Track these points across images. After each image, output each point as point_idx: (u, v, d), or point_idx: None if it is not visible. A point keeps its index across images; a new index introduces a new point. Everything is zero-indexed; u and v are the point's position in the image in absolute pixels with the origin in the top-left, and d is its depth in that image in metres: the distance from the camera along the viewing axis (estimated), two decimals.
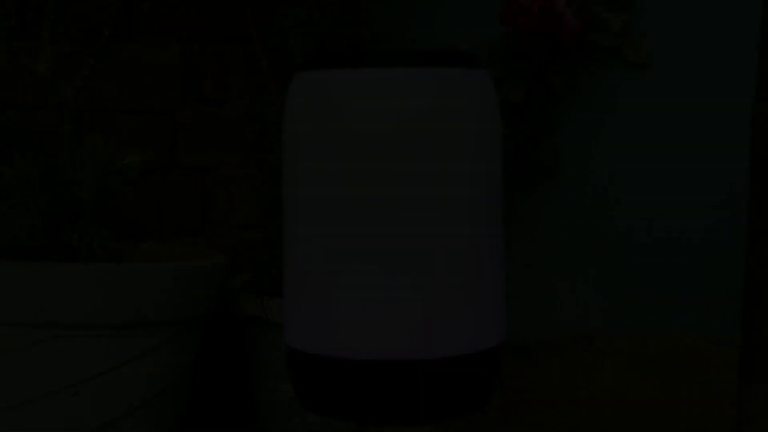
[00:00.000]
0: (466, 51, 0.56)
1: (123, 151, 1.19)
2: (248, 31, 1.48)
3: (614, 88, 1.23)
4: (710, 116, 1.14)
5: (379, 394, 0.56)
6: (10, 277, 1.11)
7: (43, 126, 1.45)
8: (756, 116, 0.61)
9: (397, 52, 0.53)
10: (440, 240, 0.55)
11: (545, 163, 1.27)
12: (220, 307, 1.40)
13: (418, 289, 0.55)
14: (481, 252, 0.56)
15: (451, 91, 0.54)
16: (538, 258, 1.35)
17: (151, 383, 1.21)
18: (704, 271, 1.15)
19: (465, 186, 0.55)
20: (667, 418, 0.79)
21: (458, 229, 0.55)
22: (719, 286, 1.13)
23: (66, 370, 1.13)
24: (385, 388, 0.56)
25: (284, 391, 1.29)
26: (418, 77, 0.53)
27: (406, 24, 1.54)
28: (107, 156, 1.17)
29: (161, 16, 1.48)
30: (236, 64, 1.54)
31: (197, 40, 1.51)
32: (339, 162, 0.54)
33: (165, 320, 1.20)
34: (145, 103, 1.48)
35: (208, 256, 1.30)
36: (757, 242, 0.61)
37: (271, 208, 1.32)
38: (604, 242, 1.26)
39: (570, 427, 0.79)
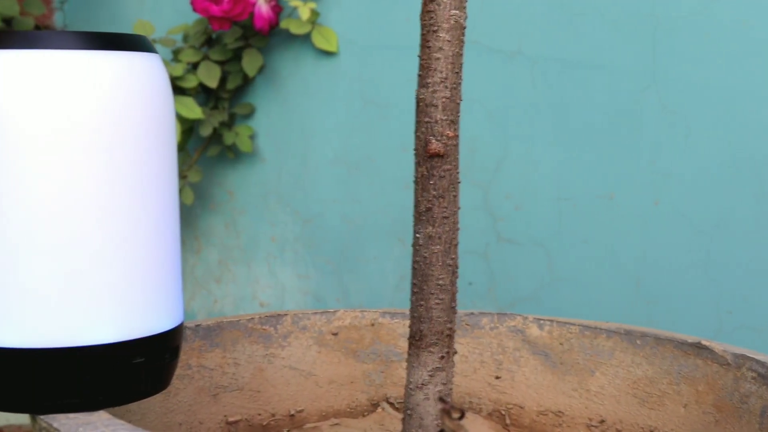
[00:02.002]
0: (133, 35, 0.56)
1: None
2: None
3: (306, 75, 1.26)
4: (390, 106, 1.20)
5: (51, 383, 0.55)
6: None
7: None
8: (418, 100, 0.65)
9: (51, 34, 0.52)
10: (108, 223, 0.55)
11: (242, 147, 1.29)
12: None
13: (86, 274, 0.54)
14: (152, 235, 0.57)
15: (116, 75, 0.54)
16: (235, 240, 1.36)
17: None
18: (385, 251, 1.21)
19: (133, 169, 0.55)
20: (351, 389, 0.83)
21: (128, 213, 0.55)
22: (395, 265, 1.19)
23: None
24: (58, 376, 0.55)
25: None
26: (76, 60, 0.53)
27: (99, 9, 1.50)
28: None
29: None
30: None
31: None
32: None
33: None
34: None
35: None
36: (418, 221, 0.66)
37: None
38: (299, 225, 1.29)
39: (259, 406, 0.81)
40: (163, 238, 0.57)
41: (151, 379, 0.58)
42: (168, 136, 0.58)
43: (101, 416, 0.56)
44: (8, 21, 1.32)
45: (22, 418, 1.22)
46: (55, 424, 0.55)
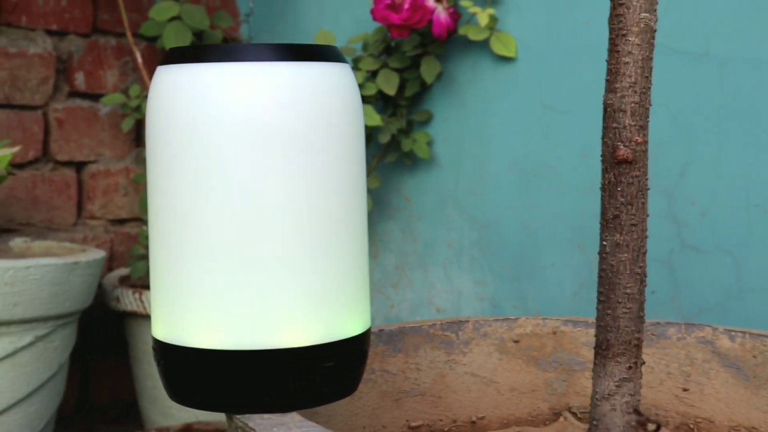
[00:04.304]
0: (326, 46, 0.57)
1: None
2: (122, 24, 1.47)
3: (484, 81, 1.26)
4: (570, 111, 1.19)
5: (247, 384, 0.57)
6: None
7: None
8: (605, 106, 0.64)
9: (253, 47, 0.54)
10: (303, 229, 0.56)
11: (420, 153, 1.30)
12: (97, 302, 1.38)
13: (282, 278, 0.56)
14: (344, 240, 0.58)
15: (313, 85, 0.56)
16: (412, 246, 1.37)
17: (26, 380, 1.19)
18: (564, 258, 1.19)
19: (329, 177, 0.57)
20: (532, 397, 0.82)
21: (322, 219, 0.56)
22: (572, 272, 1.17)
23: None
24: (254, 377, 0.57)
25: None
26: (277, 71, 0.54)
27: (282, 20, 1.55)
28: None
29: (31, 8, 1.45)
30: (110, 58, 1.52)
31: (70, 32, 1.49)
32: (196, 157, 0.55)
33: (40, 316, 1.18)
34: (17, 96, 1.45)
35: (84, 251, 1.28)
36: (605, 229, 0.64)
37: (146, 201, 1.32)
38: (476, 231, 1.29)
39: (441, 411, 0.81)
40: (354, 243, 0.58)
41: (340, 382, 0.59)
42: (359, 143, 0.59)
43: (293, 417, 0.58)
44: (198, 34, 1.38)
45: (211, 416, 1.27)
46: (251, 424, 0.57)
